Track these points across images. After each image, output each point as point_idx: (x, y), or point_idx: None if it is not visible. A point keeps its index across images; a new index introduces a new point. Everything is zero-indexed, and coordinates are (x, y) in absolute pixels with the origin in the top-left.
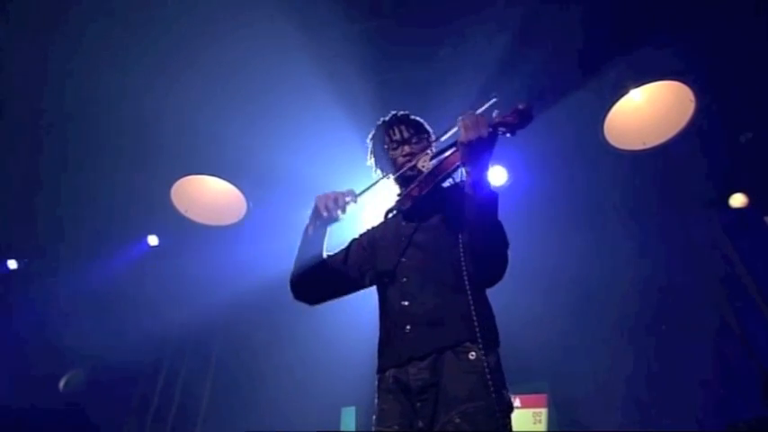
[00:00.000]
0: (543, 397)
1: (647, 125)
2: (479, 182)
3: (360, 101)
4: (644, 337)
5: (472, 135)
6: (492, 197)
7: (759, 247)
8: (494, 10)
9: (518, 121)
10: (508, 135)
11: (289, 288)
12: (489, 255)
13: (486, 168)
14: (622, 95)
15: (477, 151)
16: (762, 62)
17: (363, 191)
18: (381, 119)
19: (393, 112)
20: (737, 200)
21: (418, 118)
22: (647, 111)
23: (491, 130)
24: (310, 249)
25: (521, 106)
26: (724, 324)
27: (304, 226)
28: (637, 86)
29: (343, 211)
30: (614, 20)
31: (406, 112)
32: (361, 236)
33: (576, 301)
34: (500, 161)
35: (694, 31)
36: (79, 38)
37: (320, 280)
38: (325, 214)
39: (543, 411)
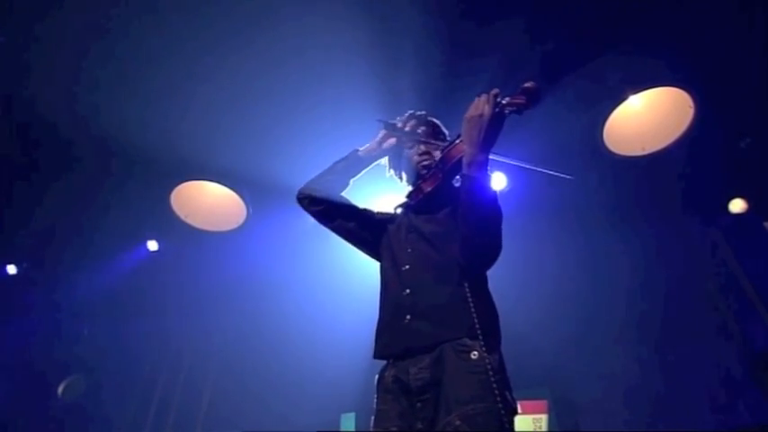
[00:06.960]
0: (544, 403)
1: (646, 131)
2: (472, 162)
3: (361, 106)
4: (644, 342)
5: (472, 111)
6: (481, 177)
7: (759, 252)
8: (493, 16)
9: (525, 100)
10: (515, 115)
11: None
12: (474, 235)
13: (482, 149)
14: (621, 101)
15: (474, 128)
16: (760, 68)
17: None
18: (398, 117)
19: (411, 112)
20: (737, 205)
21: (435, 120)
22: (647, 117)
23: (496, 109)
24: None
25: (527, 85)
26: (724, 328)
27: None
28: (636, 93)
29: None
30: (613, 26)
31: (424, 113)
32: (375, 212)
33: (576, 307)
34: (499, 167)
35: (693, 38)
36: (80, 43)
37: (335, 201)
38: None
39: (543, 417)
